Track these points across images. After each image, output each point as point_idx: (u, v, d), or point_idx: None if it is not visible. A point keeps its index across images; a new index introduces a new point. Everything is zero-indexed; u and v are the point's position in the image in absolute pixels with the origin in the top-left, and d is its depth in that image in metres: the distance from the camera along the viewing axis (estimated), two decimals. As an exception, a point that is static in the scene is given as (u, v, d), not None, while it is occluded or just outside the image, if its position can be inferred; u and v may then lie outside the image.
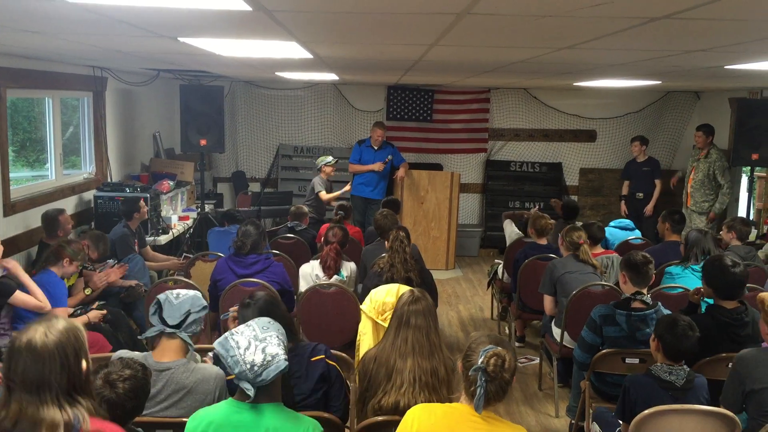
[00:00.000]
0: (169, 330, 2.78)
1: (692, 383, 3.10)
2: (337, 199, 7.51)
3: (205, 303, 2.91)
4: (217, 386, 2.74)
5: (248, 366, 2.22)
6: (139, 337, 4.69)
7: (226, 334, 2.34)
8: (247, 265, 4.55)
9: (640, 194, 8.22)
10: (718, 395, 3.21)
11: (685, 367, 3.14)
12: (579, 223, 5.26)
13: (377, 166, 8.08)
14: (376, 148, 8.26)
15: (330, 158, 7.69)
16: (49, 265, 4.35)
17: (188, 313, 2.80)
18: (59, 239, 4.69)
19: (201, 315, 2.86)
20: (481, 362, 2.29)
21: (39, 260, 4.76)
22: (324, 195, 7.51)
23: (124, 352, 2.85)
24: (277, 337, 2.33)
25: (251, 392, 2.25)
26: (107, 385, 2.29)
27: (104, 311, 4.65)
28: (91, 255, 5.09)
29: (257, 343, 2.27)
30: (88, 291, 4.83)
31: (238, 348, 2.26)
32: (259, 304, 2.93)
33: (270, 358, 2.25)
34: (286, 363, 2.29)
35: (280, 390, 2.40)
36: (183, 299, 2.84)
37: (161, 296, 2.87)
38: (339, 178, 8.02)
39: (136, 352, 2.85)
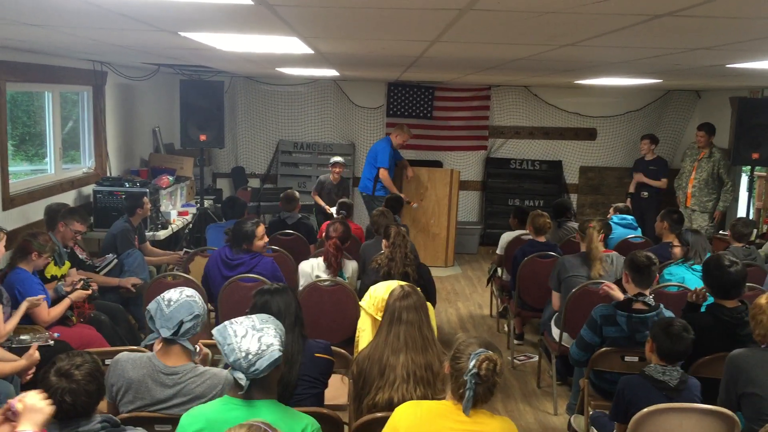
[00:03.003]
0: (166, 337, 2.73)
1: (686, 384, 3.11)
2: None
3: (197, 311, 2.76)
4: (224, 390, 2.66)
5: (243, 354, 2.22)
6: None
7: (226, 323, 2.34)
8: (232, 266, 4.56)
9: (645, 193, 8.17)
10: (717, 394, 3.20)
11: (678, 367, 3.15)
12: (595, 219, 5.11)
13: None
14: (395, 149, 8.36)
15: (341, 159, 7.90)
16: (17, 261, 4.18)
17: (181, 323, 2.70)
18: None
19: (194, 322, 2.75)
20: (473, 366, 2.29)
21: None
22: (318, 198, 7.80)
23: (128, 354, 2.80)
24: (275, 329, 2.33)
25: (243, 382, 2.24)
26: (62, 378, 2.21)
27: (89, 290, 4.46)
28: (78, 228, 4.91)
29: (254, 332, 2.28)
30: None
31: (236, 336, 2.26)
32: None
33: (265, 348, 2.25)
34: (280, 354, 2.28)
35: (275, 387, 2.38)
36: (174, 308, 2.72)
37: (152, 306, 2.75)
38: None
39: (138, 353, 2.80)
